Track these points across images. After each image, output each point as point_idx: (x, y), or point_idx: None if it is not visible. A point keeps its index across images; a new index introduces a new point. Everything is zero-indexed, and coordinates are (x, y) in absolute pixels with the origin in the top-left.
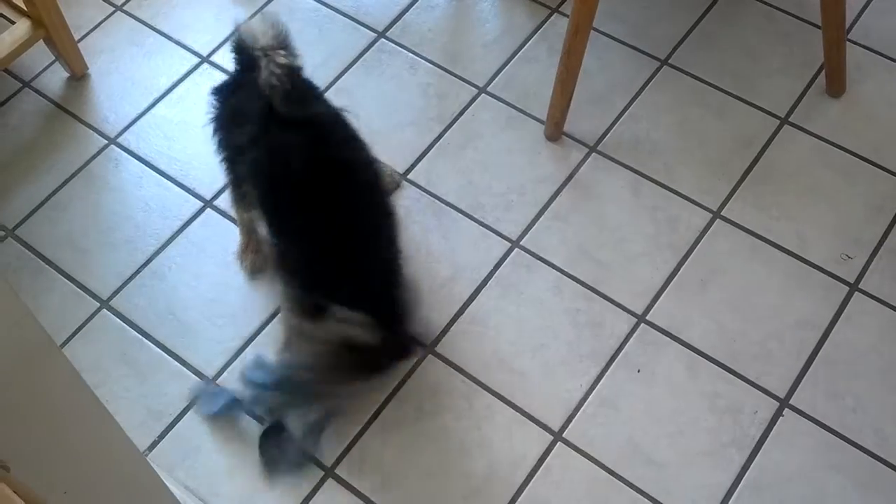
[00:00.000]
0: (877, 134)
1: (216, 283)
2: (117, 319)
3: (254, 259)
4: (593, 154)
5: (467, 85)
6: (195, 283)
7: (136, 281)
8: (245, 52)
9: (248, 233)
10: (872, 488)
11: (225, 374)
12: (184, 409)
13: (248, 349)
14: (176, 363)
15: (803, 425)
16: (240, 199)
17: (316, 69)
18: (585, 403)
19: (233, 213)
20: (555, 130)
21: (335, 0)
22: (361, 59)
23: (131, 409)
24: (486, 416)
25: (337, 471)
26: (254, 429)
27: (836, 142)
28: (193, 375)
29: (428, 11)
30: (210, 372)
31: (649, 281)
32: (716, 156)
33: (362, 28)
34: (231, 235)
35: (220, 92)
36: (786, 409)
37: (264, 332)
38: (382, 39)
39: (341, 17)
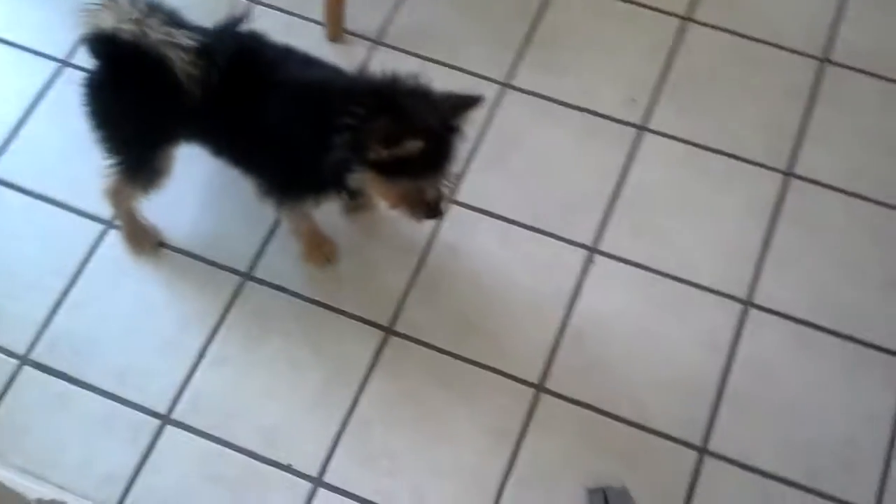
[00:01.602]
0: None
1: None
2: None
3: (328, 253)
4: (378, 47)
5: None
6: None
7: None
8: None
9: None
10: (673, 310)
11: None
12: (1, 392)
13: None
14: None
15: (614, 266)
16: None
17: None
18: (408, 295)
19: (289, 217)
20: (335, 30)
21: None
22: None
23: None
24: (315, 329)
25: (174, 416)
26: (81, 398)
27: None
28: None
29: None
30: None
31: None
32: (496, 28)
33: None
34: None
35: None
36: (595, 255)
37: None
38: None
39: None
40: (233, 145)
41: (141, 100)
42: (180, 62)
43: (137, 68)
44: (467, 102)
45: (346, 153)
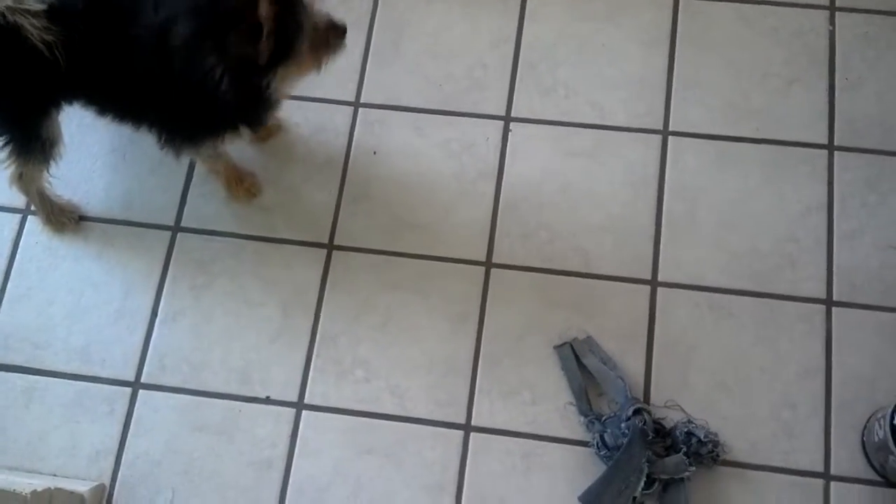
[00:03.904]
0: None
1: None
2: None
3: (250, 187)
4: None
5: None
6: None
7: None
8: None
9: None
10: (596, 157)
11: None
12: None
13: None
14: None
15: (531, 130)
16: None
17: None
18: (340, 208)
19: (203, 159)
20: None
21: None
22: None
23: None
24: (259, 263)
25: (143, 380)
26: (48, 387)
27: None
28: None
29: None
30: None
31: (349, 66)
32: None
33: None
34: None
35: None
36: (511, 123)
37: None
38: None
39: None
40: (115, 100)
41: (6, 73)
42: (34, 29)
43: None
44: None
45: (248, 79)
